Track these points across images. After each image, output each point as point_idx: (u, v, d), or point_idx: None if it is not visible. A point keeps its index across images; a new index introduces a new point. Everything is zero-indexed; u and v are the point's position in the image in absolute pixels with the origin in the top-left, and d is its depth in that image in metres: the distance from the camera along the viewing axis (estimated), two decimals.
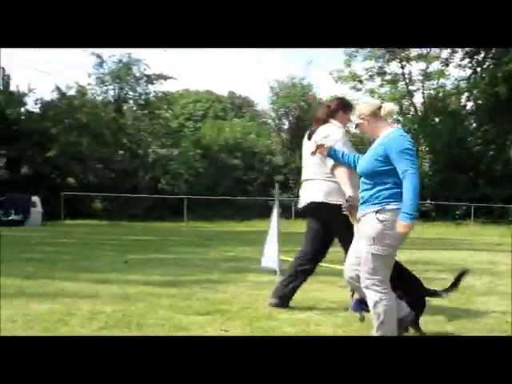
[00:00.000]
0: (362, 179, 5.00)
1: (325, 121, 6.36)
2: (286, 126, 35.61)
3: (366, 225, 4.85)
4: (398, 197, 4.78)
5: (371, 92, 40.00)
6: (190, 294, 7.42)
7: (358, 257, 4.98)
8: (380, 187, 4.83)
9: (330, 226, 6.45)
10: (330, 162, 6.01)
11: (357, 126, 5.11)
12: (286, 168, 32.63)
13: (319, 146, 5.61)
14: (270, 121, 37.73)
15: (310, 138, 6.41)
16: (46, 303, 6.57)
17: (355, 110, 5.12)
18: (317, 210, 6.45)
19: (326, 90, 71.22)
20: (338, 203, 6.03)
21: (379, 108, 4.96)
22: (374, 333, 4.84)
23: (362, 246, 4.90)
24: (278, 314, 6.41)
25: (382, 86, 40.91)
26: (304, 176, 6.58)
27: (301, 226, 25.01)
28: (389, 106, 5.02)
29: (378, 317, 4.79)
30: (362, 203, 4.95)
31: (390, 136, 4.85)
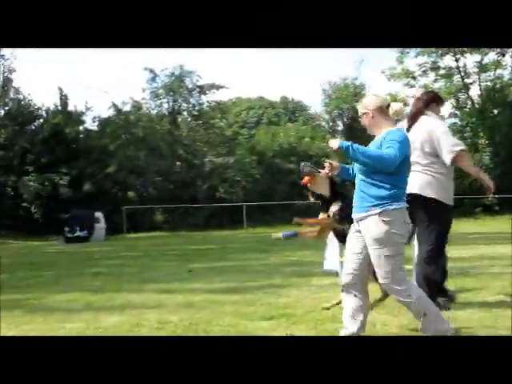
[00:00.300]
0: (361, 178, 4.88)
1: (421, 114, 6.37)
2: (340, 128, 35.46)
3: (371, 228, 4.74)
4: (397, 197, 4.75)
5: (425, 88, 39.39)
6: (253, 299, 7.47)
7: (357, 261, 4.92)
8: (379, 187, 4.76)
9: (418, 218, 6.39)
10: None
11: (360, 117, 5.01)
12: None
13: (332, 168, 5.25)
14: (323, 123, 37.60)
15: (408, 131, 6.28)
16: (114, 315, 6.73)
17: (363, 100, 4.99)
18: (412, 203, 6.45)
19: (378, 88, 70.49)
20: (431, 197, 6.14)
21: (387, 106, 4.89)
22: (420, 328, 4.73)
23: (363, 249, 4.85)
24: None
25: (436, 80, 40.20)
26: None
27: None
28: (397, 106, 4.97)
29: (419, 313, 4.73)
30: (359, 204, 4.86)
31: (390, 133, 4.76)
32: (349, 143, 4.69)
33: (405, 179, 4.88)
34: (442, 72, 39.84)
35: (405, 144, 4.73)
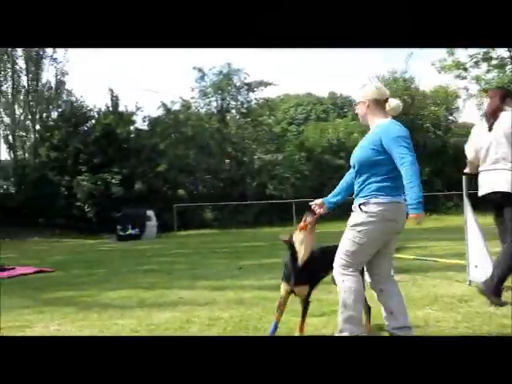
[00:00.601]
0: (356, 170, 4.91)
1: (500, 110, 6.58)
2: None
3: (354, 215, 4.82)
4: (388, 190, 4.72)
5: (477, 79, 38.51)
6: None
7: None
8: (371, 180, 4.77)
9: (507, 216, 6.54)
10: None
11: (356, 104, 5.00)
12: None
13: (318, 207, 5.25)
14: None
15: (491, 129, 6.63)
16: (166, 312, 6.78)
17: (363, 89, 4.92)
18: (502, 199, 6.51)
19: (428, 81, 69.27)
20: None
21: (386, 100, 4.85)
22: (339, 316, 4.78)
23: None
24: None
25: (488, 71, 39.20)
26: (484, 166, 6.68)
27: (410, 223, 24.28)
28: (394, 102, 4.92)
29: (341, 298, 4.76)
30: (355, 196, 4.88)
31: (385, 124, 4.75)
32: (418, 204, 4.61)
33: (397, 172, 4.72)
34: (494, 62, 38.89)
35: (403, 133, 4.71)
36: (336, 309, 6.41)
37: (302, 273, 5.27)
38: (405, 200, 4.73)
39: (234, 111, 35.43)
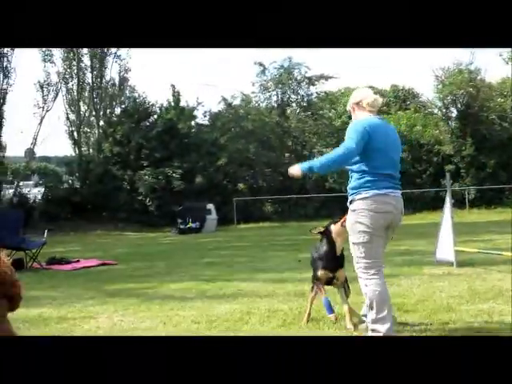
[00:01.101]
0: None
1: None
2: (454, 114, 34.23)
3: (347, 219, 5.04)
4: (367, 184, 4.83)
5: None
6: None
7: None
8: (354, 177, 4.95)
9: None
10: None
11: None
12: (457, 157, 31.34)
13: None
14: (436, 110, 36.41)
15: None
16: (226, 304, 6.83)
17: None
18: None
19: (495, 73, 67.34)
20: None
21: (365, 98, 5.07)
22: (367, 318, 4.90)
23: None
24: (457, 305, 6.20)
25: None
26: None
27: (475, 216, 23.93)
28: (369, 99, 5.05)
29: (367, 301, 4.82)
30: None
31: (349, 126, 5.03)
32: (306, 164, 5.03)
33: (379, 165, 4.86)
34: None
35: (358, 131, 4.85)
36: (396, 301, 6.36)
37: (340, 259, 5.67)
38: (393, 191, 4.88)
39: (294, 105, 35.26)
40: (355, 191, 4.89)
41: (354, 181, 4.94)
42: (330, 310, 5.64)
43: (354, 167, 4.94)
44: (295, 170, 5.06)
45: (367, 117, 5.03)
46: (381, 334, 4.65)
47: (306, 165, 5.03)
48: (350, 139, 4.83)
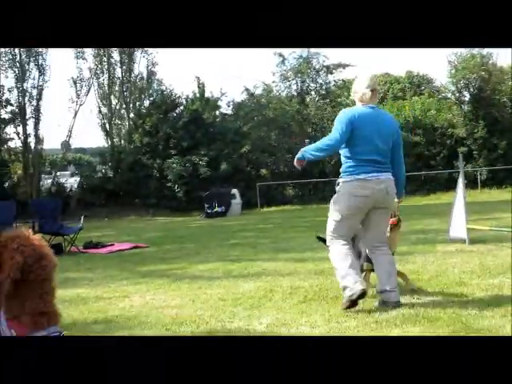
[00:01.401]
0: None
1: None
2: (466, 98, 33.81)
3: None
4: (349, 169, 5.17)
5: None
6: None
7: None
8: (342, 163, 5.32)
9: None
10: None
11: None
12: (470, 139, 31.02)
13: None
14: (449, 95, 35.96)
15: None
16: (250, 282, 6.90)
17: None
18: None
19: (506, 56, 66.13)
20: None
21: (373, 91, 5.29)
22: None
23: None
24: (469, 280, 6.20)
25: None
26: None
27: (487, 196, 23.71)
28: (358, 94, 5.29)
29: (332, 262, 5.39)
30: None
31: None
32: (300, 154, 5.43)
33: (362, 151, 5.13)
34: None
35: (342, 121, 5.14)
36: (412, 277, 6.38)
37: None
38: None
39: (313, 93, 35.06)
40: (341, 175, 5.27)
41: (341, 166, 5.30)
42: None
43: (342, 153, 5.27)
44: (295, 162, 5.47)
45: (354, 107, 5.35)
46: (347, 293, 5.03)
47: (300, 154, 5.41)
48: (335, 129, 5.18)
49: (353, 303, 5.02)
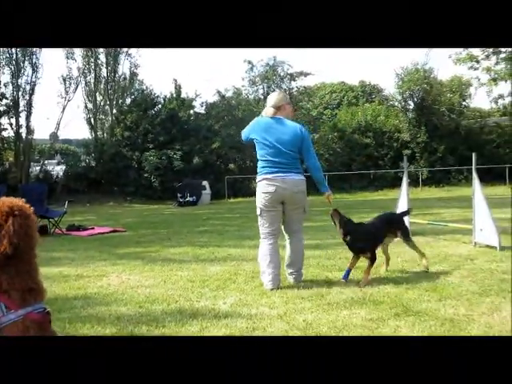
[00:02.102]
0: None
1: None
2: (411, 107, 34.23)
3: None
4: (259, 169, 5.48)
5: (487, 70, 37.32)
6: (333, 254, 7.43)
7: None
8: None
9: None
10: None
11: None
12: (413, 143, 31.46)
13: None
14: (396, 103, 36.34)
15: None
16: (217, 266, 6.85)
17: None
18: None
19: (445, 72, 67.30)
20: None
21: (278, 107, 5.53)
22: None
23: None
24: (410, 267, 6.27)
25: (497, 63, 37.98)
26: None
27: (427, 193, 23.99)
28: (264, 112, 5.61)
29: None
30: None
31: None
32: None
33: (266, 154, 5.39)
34: (503, 55, 37.55)
35: (246, 129, 5.61)
36: (360, 265, 6.41)
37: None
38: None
39: None
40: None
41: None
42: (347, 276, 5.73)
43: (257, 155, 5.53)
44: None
45: (259, 117, 5.63)
46: (264, 286, 5.40)
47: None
48: (242, 132, 5.71)
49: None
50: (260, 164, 5.47)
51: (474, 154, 7.72)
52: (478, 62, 37.13)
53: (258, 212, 5.52)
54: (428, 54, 35.48)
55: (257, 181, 5.53)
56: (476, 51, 36.79)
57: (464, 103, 33.83)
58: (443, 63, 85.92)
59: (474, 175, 7.59)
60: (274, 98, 5.59)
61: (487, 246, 7.37)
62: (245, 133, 5.61)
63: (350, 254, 5.90)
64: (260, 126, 5.47)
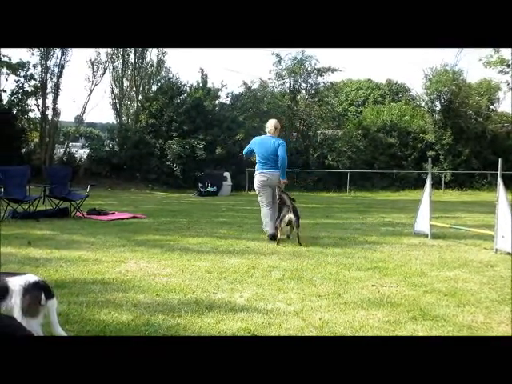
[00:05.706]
0: None
1: None
2: (437, 108, 33.81)
3: None
4: (256, 167, 8.77)
5: None
6: (352, 252, 7.38)
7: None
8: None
9: None
10: None
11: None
12: (438, 144, 31.09)
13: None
14: (423, 104, 35.90)
15: None
16: (235, 258, 6.85)
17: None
18: None
19: (475, 74, 66.29)
20: None
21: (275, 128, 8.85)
22: None
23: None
24: (429, 271, 6.21)
25: None
26: None
27: (449, 196, 23.64)
28: (267, 129, 8.92)
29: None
30: None
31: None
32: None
33: (259, 158, 8.68)
34: None
35: (248, 146, 9.04)
36: (378, 265, 6.39)
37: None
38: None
39: (303, 92, 34.85)
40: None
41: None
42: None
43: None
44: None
45: (258, 136, 9.08)
46: (267, 233, 8.56)
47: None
48: (245, 147, 9.17)
49: (270, 239, 8.35)
50: (257, 164, 8.70)
51: (500, 160, 7.61)
52: (508, 65, 36.55)
53: (257, 192, 8.80)
54: (458, 55, 35.04)
55: (255, 174, 8.81)
56: (507, 55, 36.23)
57: (492, 107, 33.31)
58: (473, 66, 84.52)
59: (500, 181, 7.48)
60: (274, 122, 8.85)
61: (508, 254, 7.26)
62: (247, 148, 9.03)
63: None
64: (256, 142, 8.78)
